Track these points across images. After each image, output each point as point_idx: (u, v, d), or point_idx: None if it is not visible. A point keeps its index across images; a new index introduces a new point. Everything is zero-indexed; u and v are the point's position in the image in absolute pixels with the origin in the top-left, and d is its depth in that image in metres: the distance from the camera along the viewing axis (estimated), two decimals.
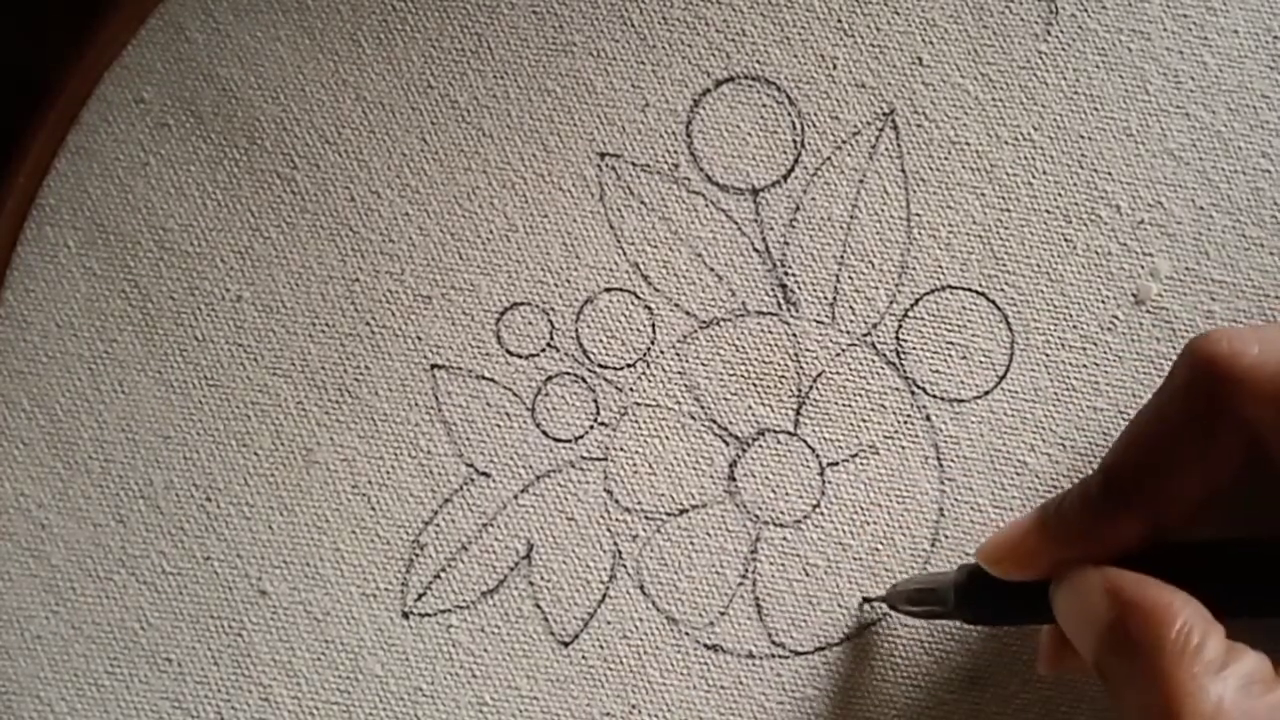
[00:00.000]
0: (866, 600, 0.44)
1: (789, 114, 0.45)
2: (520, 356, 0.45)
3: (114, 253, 0.45)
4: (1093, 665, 0.36)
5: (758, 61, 0.45)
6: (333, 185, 0.45)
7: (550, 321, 0.45)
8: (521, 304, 0.45)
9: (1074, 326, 0.44)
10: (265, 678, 0.44)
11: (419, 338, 0.45)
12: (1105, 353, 0.44)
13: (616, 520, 0.44)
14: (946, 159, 0.44)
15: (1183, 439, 0.36)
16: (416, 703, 0.44)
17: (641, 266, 0.45)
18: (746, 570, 0.44)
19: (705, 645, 0.44)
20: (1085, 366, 0.44)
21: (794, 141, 0.45)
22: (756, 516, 0.44)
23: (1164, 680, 0.33)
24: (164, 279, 0.45)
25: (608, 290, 0.45)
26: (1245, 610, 0.36)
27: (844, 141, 0.44)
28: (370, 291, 0.45)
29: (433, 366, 0.45)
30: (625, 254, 0.45)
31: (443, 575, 0.44)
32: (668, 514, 0.44)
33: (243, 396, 0.45)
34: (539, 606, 0.44)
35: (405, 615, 0.44)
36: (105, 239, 0.45)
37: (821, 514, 0.44)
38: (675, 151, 0.45)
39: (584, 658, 0.44)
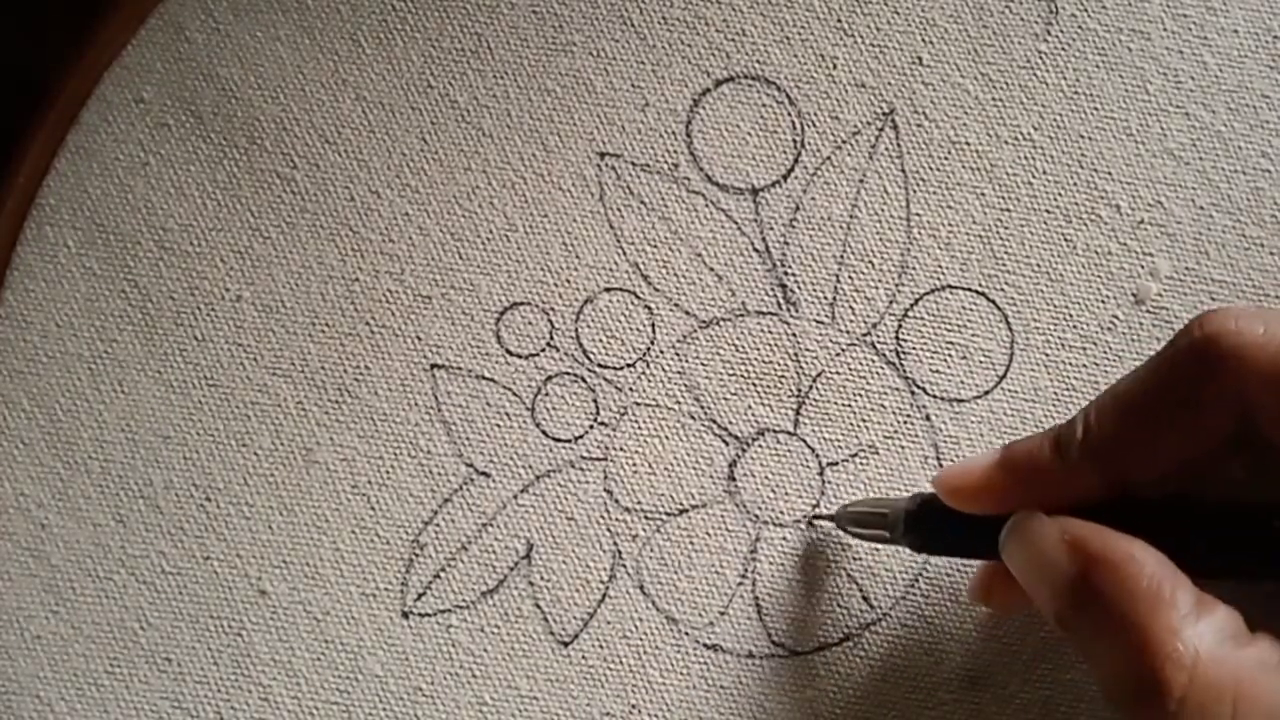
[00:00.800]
0: (816, 518, 0.44)
1: (789, 114, 0.45)
2: (520, 356, 0.45)
3: (114, 253, 0.45)
4: (1054, 619, 0.36)
5: (758, 61, 0.45)
6: (333, 185, 0.45)
7: (550, 321, 0.45)
8: (521, 304, 0.45)
9: (1074, 326, 0.44)
10: (265, 678, 0.44)
11: (419, 338, 0.45)
12: (1105, 353, 0.44)
13: (616, 520, 0.44)
14: (946, 159, 0.44)
15: (1171, 406, 0.36)
16: (416, 703, 0.44)
17: (641, 266, 0.45)
18: (746, 570, 0.44)
19: (705, 645, 0.44)
20: (1085, 366, 0.44)
21: (794, 141, 0.45)
22: (756, 516, 0.44)
23: (1138, 633, 0.33)
24: (164, 279, 0.45)
25: (608, 290, 0.45)
26: (1199, 571, 0.35)
27: (844, 141, 0.45)
28: (370, 291, 0.45)
29: (432, 366, 0.45)
30: (625, 254, 0.45)
31: (443, 575, 0.44)
32: (668, 514, 0.44)
33: (243, 396, 0.45)
34: (539, 606, 0.44)
35: (405, 615, 0.44)
36: (105, 239, 0.45)
37: (821, 514, 0.44)
38: (675, 151, 0.45)
39: (584, 658, 0.44)
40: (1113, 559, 0.34)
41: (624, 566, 0.44)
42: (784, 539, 0.44)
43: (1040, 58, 0.44)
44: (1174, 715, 0.33)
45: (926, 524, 0.40)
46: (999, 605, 0.41)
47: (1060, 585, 0.35)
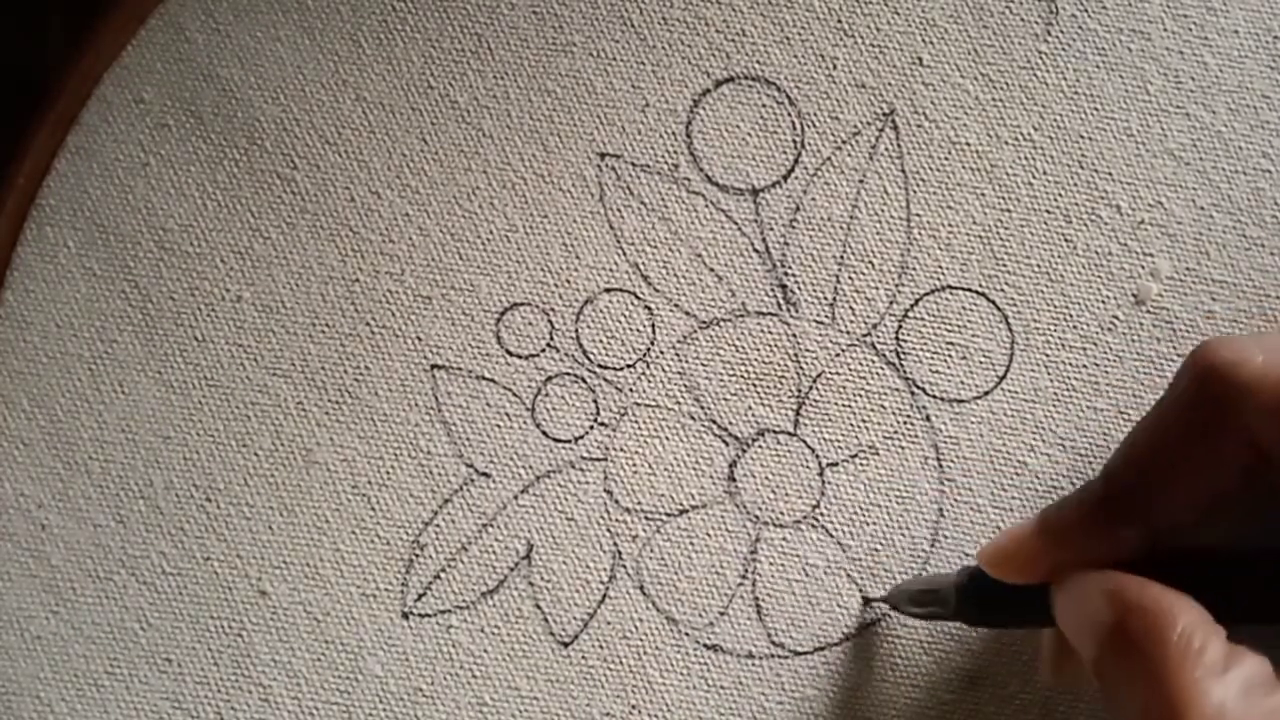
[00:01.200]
0: (868, 601, 0.44)
1: (789, 114, 0.45)
2: (520, 357, 0.45)
3: (114, 253, 0.45)
4: (1091, 668, 0.36)
5: (758, 62, 0.45)
6: (333, 185, 0.45)
7: (550, 322, 0.45)
8: (521, 304, 0.45)
9: (1074, 327, 0.44)
10: (265, 678, 0.44)
11: (419, 338, 0.45)
12: (1105, 353, 0.44)
13: (616, 520, 0.44)
14: (947, 159, 0.44)
15: (1184, 449, 0.36)
16: (416, 703, 0.44)
17: (641, 267, 0.45)
18: (746, 570, 0.44)
19: (705, 645, 0.44)
20: (1085, 367, 0.44)
21: (794, 142, 0.45)
22: (756, 517, 0.44)
23: (1166, 683, 0.33)
24: (164, 279, 0.45)
25: (608, 290, 0.45)
26: (1243, 617, 0.36)
27: (844, 142, 0.44)
28: (370, 292, 0.45)
29: (433, 367, 0.45)
30: (625, 254, 0.45)
31: (443, 575, 0.44)
32: (668, 514, 0.44)
33: (243, 396, 0.45)
34: (539, 606, 0.44)
35: (405, 615, 0.44)
36: (105, 239, 0.45)
37: (821, 514, 0.44)
38: (675, 152, 0.45)
39: (584, 658, 0.44)
40: (1148, 609, 0.35)
41: (624, 566, 0.44)
42: (784, 539, 0.44)
43: (1040, 58, 0.44)
44: None
45: (978, 597, 0.40)
46: (1078, 674, 0.40)
47: (1098, 633, 0.35)
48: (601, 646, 0.44)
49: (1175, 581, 0.35)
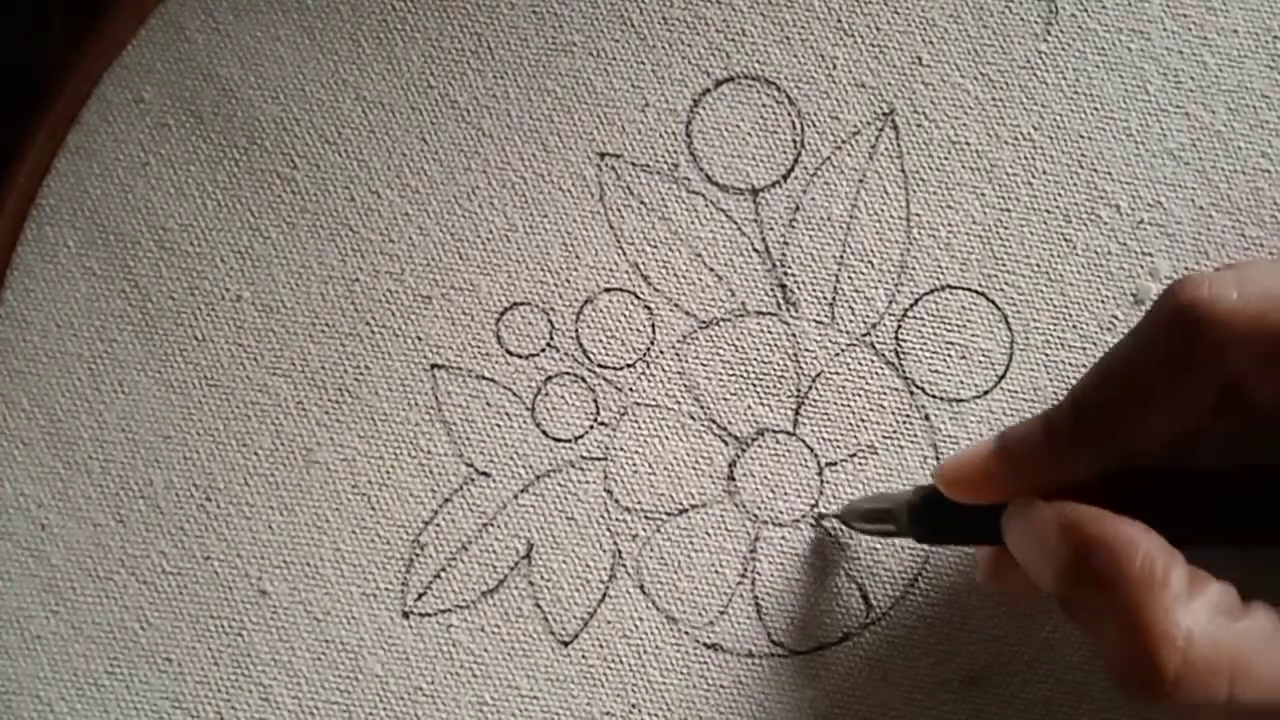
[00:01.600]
0: (821, 517, 0.44)
1: (789, 114, 0.45)
2: (520, 356, 0.45)
3: (114, 253, 0.45)
4: (1056, 600, 0.36)
5: (757, 61, 0.45)
6: (333, 185, 0.45)
7: (550, 321, 0.45)
8: (521, 304, 0.45)
9: (1074, 326, 0.44)
10: (265, 677, 0.44)
11: (419, 338, 0.45)
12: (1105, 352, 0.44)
13: (616, 520, 0.44)
14: (946, 159, 0.44)
15: (1156, 378, 0.36)
16: (416, 702, 0.44)
17: (641, 266, 0.45)
18: (746, 570, 0.44)
19: (705, 645, 0.44)
20: (1085, 366, 0.44)
21: (794, 141, 0.45)
22: (756, 516, 0.44)
23: (1133, 617, 0.33)
24: (164, 279, 0.45)
25: (607, 290, 0.45)
26: (1200, 539, 0.35)
27: (844, 141, 0.44)
28: (370, 291, 0.45)
29: (433, 366, 0.45)
30: (625, 254, 0.45)
31: (443, 575, 0.44)
32: (667, 514, 0.44)
33: (243, 396, 0.45)
34: (539, 606, 0.44)
35: (405, 615, 0.44)
36: (105, 239, 0.45)
37: (821, 513, 0.44)
38: (675, 151, 0.45)
39: (584, 657, 0.44)
40: (1107, 541, 0.34)
41: (624, 566, 0.44)
42: (783, 539, 0.44)
43: (1040, 58, 0.44)
44: (1170, 696, 0.33)
45: (930, 516, 0.40)
46: (1009, 590, 0.40)
47: (1059, 569, 0.35)
48: (601, 646, 0.44)
49: (1129, 504, 0.35)
